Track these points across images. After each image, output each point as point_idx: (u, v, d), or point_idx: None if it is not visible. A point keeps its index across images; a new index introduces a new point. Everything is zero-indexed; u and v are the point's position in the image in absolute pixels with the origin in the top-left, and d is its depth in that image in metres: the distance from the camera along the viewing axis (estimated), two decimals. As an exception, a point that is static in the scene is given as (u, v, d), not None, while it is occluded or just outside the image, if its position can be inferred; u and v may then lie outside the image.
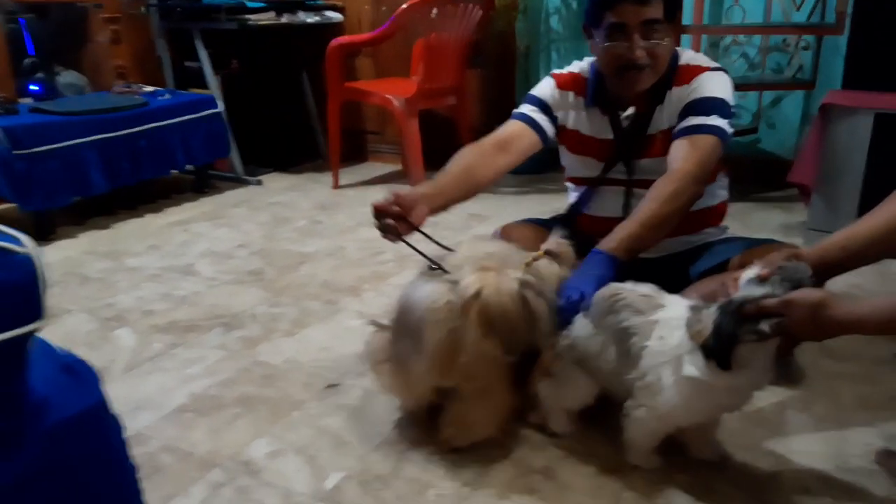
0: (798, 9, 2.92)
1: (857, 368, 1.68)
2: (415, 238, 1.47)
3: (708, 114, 1.54)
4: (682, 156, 1.51)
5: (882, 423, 1.47)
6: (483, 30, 3.31)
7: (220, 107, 3.33)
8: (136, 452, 1.41)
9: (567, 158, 1.79)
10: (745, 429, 1.42)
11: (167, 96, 3.28)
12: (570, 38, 3.52)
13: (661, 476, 1.32)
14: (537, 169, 3.57)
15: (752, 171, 3.02)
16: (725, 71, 1.63)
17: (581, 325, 1.33)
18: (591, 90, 1.69)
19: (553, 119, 1.72)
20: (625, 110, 1.65)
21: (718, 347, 1.10)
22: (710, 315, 1.13)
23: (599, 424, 1.44)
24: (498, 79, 3.61)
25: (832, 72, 2.89)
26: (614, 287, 1.30)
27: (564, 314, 1.36)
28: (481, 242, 1.52)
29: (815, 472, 1.33)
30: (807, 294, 1.07)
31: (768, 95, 3.13)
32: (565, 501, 1.27)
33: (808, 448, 1.40)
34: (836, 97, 2.30)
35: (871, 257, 1.25)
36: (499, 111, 3.66)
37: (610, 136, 1.68)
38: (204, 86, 3.51)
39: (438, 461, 1.38)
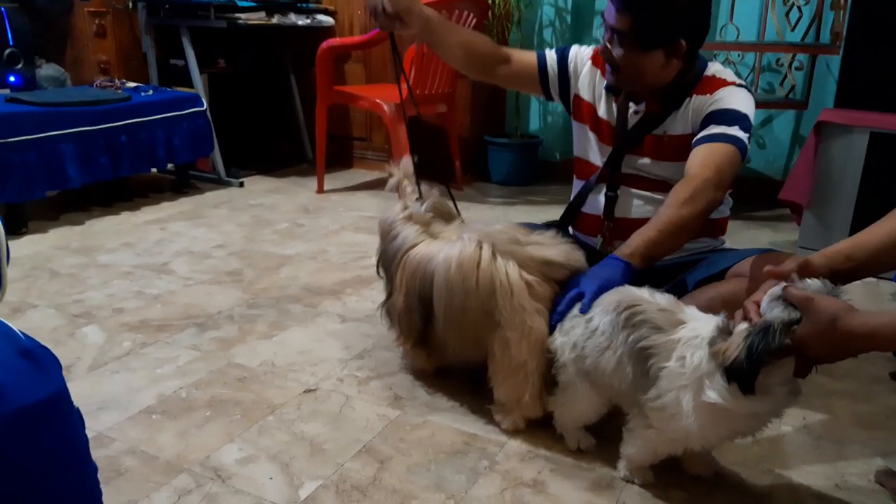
0: (793, 29, 2.92)
1: (854, 386, 1.64)
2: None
3: (730, 124, 1.50)
4: (699, 161, 1.48)
5: (880, 441, 1.43)
6: (476, 38, 3.28)
7: (205, 105, 3.25)
8: (98, 455, 1.34)
9: (576, 128, 1.77)
10: (741, 445, 1.37)
11: (150, 92, 3.20)
12: (563, 51, 3.49)
13: (655, 491, 1.26)
14: (524, 181, 3.54)
15: (742, 190, 2.99)
16: (749, 89, 1.61)
17: (585, 333, 1.26)
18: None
19: (564, 82, 1.73)
20: (637, 104, 1.63)
21: (748, 370, 1.02)
22: (739, 334, 1.06)
23: (592, 434, 1.38)
24: (489, 89, 3.57)
25: (824, 92, 2.90)
26: (632, 296, 1.22)
27: (559, 310, 1.34)
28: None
29: (812, 491, 1.27)
30: (830, 300, 1.02)
31: (759, 115, 3.12)
32: (554, 516, 1.20)
33: (805, 466, 1.34)
34: (831, 115, 2.28)
35: (877, 268, 1.20)
36: (489, 122, 3.64)
37: (615, 124, 1.67)
38: (189, 84, 3.43)
39: (422, 471, 1.31)
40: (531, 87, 1.77)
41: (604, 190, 1.69)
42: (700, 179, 1.44)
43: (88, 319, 1.93)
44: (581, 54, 1.74)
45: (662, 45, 1.50)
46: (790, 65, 2.95)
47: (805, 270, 1.12)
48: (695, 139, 1.54)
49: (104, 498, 1.19)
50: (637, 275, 1.38)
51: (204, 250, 2.51)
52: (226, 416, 1.49)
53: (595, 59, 1.73)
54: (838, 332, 0.99)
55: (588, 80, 1.72)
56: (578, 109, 1.74)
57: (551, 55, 1.74)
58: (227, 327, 1.90)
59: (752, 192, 3.03)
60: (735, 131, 1.50)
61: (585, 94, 1.72)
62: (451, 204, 1.69)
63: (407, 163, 1.68)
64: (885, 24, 2.27)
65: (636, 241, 1.40)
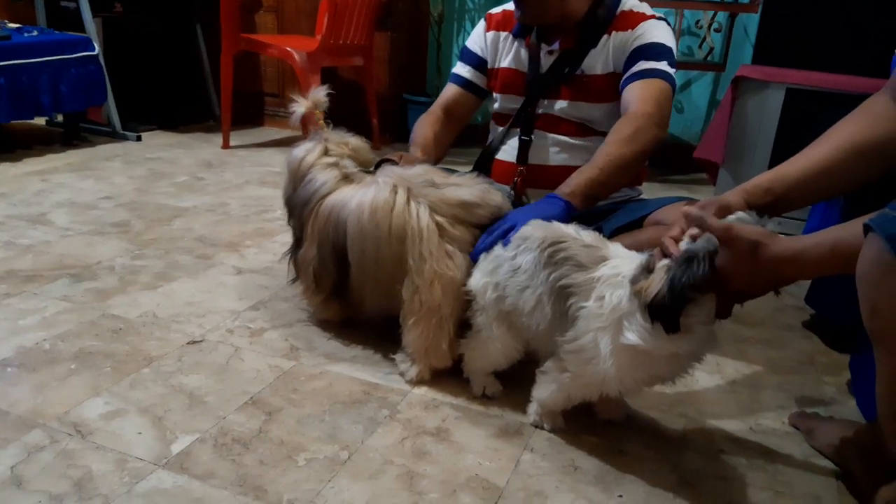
0: (712, -10, 2.91)
1: (767, 334, 1.61)
2: None
3: (658, 59, 1.45)
4: (638, 97, 1.40)
5: (793, 386, 1.39)
6: (395, -10, 3.13)
7: (97, 49, 2.97)
8: (-75, 404, 1.15)
9: (492, 100, 1.69)
10: (654, 389, 1.30)
11: (35, 33, 2.90)
12: (486, 7, 3.39)
13: (565, 437, 1.17)
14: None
15: (658, 153, 2.97)
16: (668, 21, 1.55)
17: (508, 272, 1.16)
18: (519, 22, 1.59)
19: (485, 71, 1.67)
20: (550, 44, 1.54)
21: (671, 305, 0.94)
22: (661, 269, 0.97)
23: (500, 381, 1.30)
24: (409, 44, 3.43)
25: (741, 56, 2.90)
26: (557, 233, 1.12)
27: (486, 242, 1.25)
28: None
29: (727, 434, 1.22)
30: (750, 228, 0.95)
31: (678, 78, 3.08)
32: (458, 465, 1.10)
33: (719, 410, 1.29)
34: (749, 71, 2.26)
35: (798, 201, 1.14)
36: (408, 78, 3.48)
37: (526, 69, 1.58)
38: (81, 29, 3.13)
39: (314, 422, 1.18)
40: (474, 105, 1.72)
41: (518, 134, 1.60)
42: (643, 117, 1.37)
43: (-58, 269, 1.70)
44: (476, 35, 1.68)
45: None
46: (709, 26, 2.94)
47: (724, 212, 1.05)
48: (626, 75, 1.46)
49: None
50: (577, 215, 1.30)
51: (89, 202, 2.28)
52: (94, 368, 1.32)
53: (488, 22, 1.66)
54: (761, 258, 0.92)
55: (492, 45, 1.65)
56: (493, 80, 1.66)
57: (459, 66, 1.70)
58: (106, 278, 1.71)
59: (668, 156, 3.01)
60: (664, 66, 1.45)
61: (498, 62, 1.65)
62: (368, 149, 1.57)
63: (319, 93, 1.52)
64: (802, -17, 2.27)
65: (577, 180, 1.31)
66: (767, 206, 1.11)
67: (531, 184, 1.59)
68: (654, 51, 1.46)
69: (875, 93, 1.10)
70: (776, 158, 2.23)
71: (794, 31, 2.30)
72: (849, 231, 0.83)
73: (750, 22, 2.86)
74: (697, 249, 0.96)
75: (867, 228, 0.76)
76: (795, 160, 1.14)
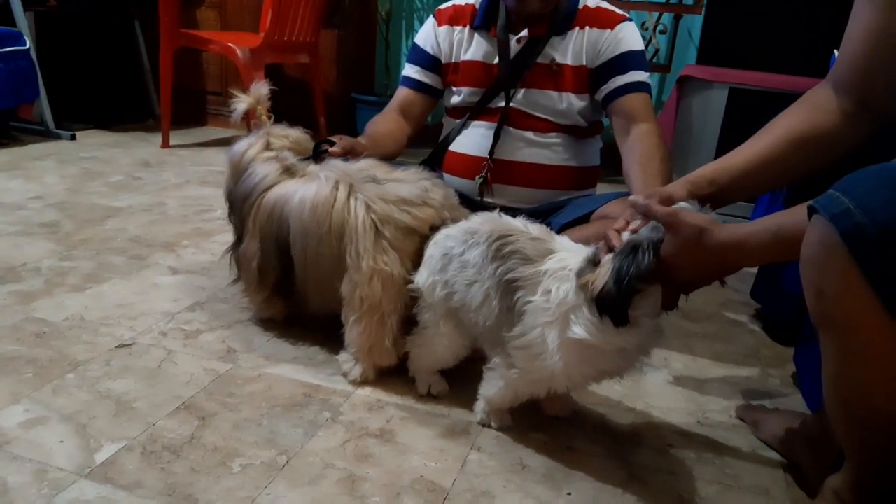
0: (657, -7, 2.95)
1: (714, 329, 1.62)
2: None
3: (646, 69, 1.50)
4: (645, 113, 1.47)
5: (739, 379, 1.40)
6: (341, -13, 3.08)
7: (28, 44, 2.83)
8: None
9: (451, 94, 1.65)
10: (601, 385, 1.28)
11: (-42, 26, 2.75)
12: (434, 6, 3.36)
13: (513, 435, 1.14)
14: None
15: (605, 155, 2.99)
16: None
17: (457, 268, 1.12)
18: (482, 11, 1.58)
19: (439, 69, 1.64)
20: (517, 34, 1.53)
21: (618, 297, 0.92)
22: (607, 262, 0.95)
23: (446, 377, 1.26)
24: (357, 43, 3.38)
25: (685, 57, 2.94)
26: (504, 226, 1.09)
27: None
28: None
29: (675, 428, 1.21)
30: (695, 215, 0.94)
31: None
32: (403, 467, 1.05)
33: (667, 404, 1.28)
34: (693, 70, 2.29)
35: (741, 192, 1.14)
36: (357, 77, 3.43)
37: (496, 60, 1.56)
38: (11, 23, 2.99)
39: (251, 427, 1.12)
40: (430, 105, 1.69)
41: (483, 128, 1.58)
42: (656, 133, 1.45)
43: None
44: (426, 32, 1.65)
45: None
46: (654, 28, 2.97)
47: (668, 202, 1.04)
48: (620, 83, 1.48)
49: None
50: None
51: (16, 202, 2.16)
52: (14, 374, 1.23)
53: (439, 18, 1.64)
54: (706, 245, 0.91)
55: (446, 40, 1.62)
56: (450, 76, 1.63)
57: (409, 68, 1.67)
58: (32, 280, 1.61)
59: (615, 157, 3.03)
60: (647, 77, 1.51)
61: (453, 56, 1.62)
62: (310, 139, 1.52)
63: (260, 89, 1.47)
64: (743, -15, 2.31)
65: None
66: (711, 196, 1.10)
67: (497, 178, 1.57)
68: (639, 60, 1.50)
69: (816, 85, 1.11)
70: (720, 156, 2.26)
71: (736, 32, 2.34)
72: (792, 216, 0.82)
73: (694, 24, 2.91)
74: (641, 239, 0.94)
75: (811, 210, 0.75)
76: (739, 151, 1.14)
